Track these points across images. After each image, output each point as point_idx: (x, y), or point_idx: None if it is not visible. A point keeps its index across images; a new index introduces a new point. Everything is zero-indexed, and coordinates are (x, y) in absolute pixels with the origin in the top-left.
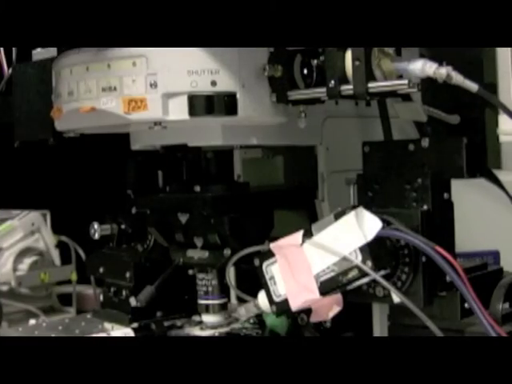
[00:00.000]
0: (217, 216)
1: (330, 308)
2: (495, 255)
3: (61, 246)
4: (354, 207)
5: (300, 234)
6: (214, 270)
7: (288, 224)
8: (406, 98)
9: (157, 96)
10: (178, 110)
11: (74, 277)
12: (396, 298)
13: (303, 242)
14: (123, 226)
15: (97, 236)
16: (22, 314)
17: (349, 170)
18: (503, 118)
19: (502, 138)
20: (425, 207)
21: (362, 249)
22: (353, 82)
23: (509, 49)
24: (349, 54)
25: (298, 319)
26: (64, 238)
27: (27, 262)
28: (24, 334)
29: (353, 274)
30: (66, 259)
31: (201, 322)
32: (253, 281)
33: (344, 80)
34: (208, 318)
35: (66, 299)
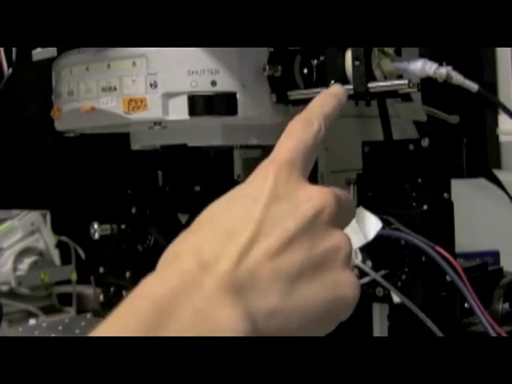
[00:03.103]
0: None
1: None
2: (495, 255)
3: (61, 246)
4: None
5: None
6: None
7: None
8: (406, 97)
9: (157, 96)
10: (178, 110)
11: (73, 277)
12: (396, 297)
13: None
14: (123, 226)
15: (97, 236)
16: (21, 313)
17: (349, 169)
18: (503, 118)
19: (502, 138)
20: (425, 207)
21: (362, 249)
22: (353, 82)
23: (509, 49)
24: (349, 54)
25: None
26: (64, 238)
27: (27, 261)
28: (24, 334)
29: None
30: (65, 259)
31: None
32: None
33: (344, 80)
34: None
35: (66, 299)
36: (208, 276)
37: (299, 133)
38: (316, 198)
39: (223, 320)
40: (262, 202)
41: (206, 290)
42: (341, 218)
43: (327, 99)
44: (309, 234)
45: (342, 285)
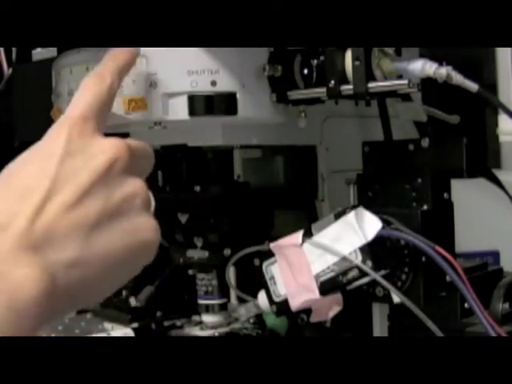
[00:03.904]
0: (217, 216)
1: (330, 308)
2: (495, 255)
3: None
4: (353, 207)
5: (300, 234)
6: (214, 270)
7: (288, 224)
8: (406, 97)
9: (157, 96)
10: (178, 110)
11: None
12: (396, 298)
13: (303, 241)
14: None
15: None
16: None
17: (349, 169)
18: (503, 118)
19: (502, 138)
20: (425, 207)
21: (362, 249)
22: (353, 82)
23: (509, 49)
24: (349, 54)
25: (297, 319)
26: None
27: None
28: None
29: (353, 274)
30: None
31: (201, 322)
32: (253, 281)
33: (344, 80)
34: (208, 318)
35: None
36: (3, 237)
37: (92, 88)
38: (109, 150)
39: (20, 279)
40: (56, 158)
41: (2, 251)
42: (137, 165)
43: (120, 53)
44: (104, 184)
45: (142, 229)
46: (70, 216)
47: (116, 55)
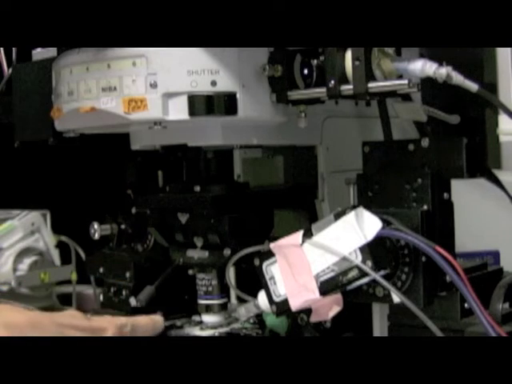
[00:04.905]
0: (217, 216)
1: (330, 308)
2: (495, 255)
3: (61, 246)
4: (353, 207)
5: (300, 234)
6: (214, 270)
7: (288, 224)
8: (406, 98)
9: (157, 96)
10: (178, 110)
11: (74, 277)
12: (396, 298)
13: (303, 241)
14: (123, 226)
15: (97, 236)
16: None
17: (349, 170)
18: (503, 118)
19: (502, 138)
20: (425, 207)
21: (362, 249)
22: (353, 82)
23: (509, 49)
24: (349, 54)
25: (297, 319)
26: (64, 238)
27: (27, 261)
28: None
29: (353, 274)
30: (65, 259)
31: (201, 322)
32: (253, 281)
33: (344, 80)
34: (208, 318)
35: (66, 299)
36: None
37: (113, 320)
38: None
39: None
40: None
41: None
42: None
43: (145, 317)
44: None
45: None
46: None
47: (142, 317)
